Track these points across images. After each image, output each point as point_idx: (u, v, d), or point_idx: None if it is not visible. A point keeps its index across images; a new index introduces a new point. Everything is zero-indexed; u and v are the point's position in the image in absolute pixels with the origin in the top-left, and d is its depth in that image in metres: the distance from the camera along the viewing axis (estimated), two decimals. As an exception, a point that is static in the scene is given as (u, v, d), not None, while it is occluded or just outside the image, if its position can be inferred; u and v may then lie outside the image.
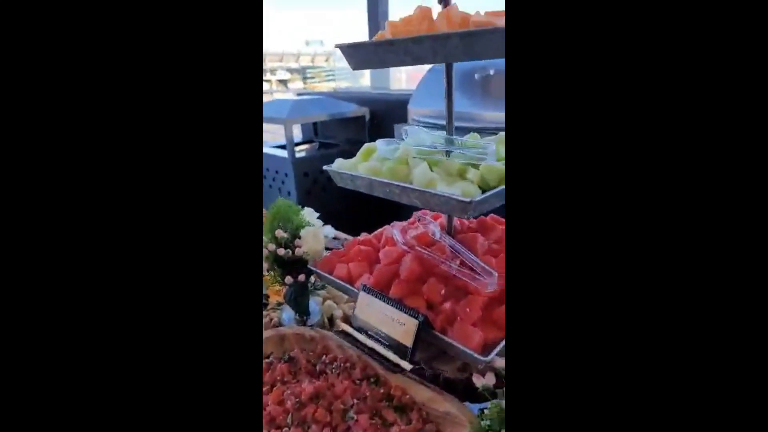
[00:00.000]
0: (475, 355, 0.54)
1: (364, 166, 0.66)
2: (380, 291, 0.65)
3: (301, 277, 0.77)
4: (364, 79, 3.46)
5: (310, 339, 0.74)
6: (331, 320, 0.95)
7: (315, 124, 2.77)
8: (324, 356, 0.70)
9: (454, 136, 0.70)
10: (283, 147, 2.45)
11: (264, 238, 0.81)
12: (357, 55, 0.60)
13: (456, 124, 2.05)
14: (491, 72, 1.79)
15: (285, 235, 0.79)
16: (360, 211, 2.60)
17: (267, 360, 0.71)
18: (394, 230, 0.72)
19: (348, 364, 0.67)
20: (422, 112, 2.02)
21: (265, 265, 0.79)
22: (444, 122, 1.84)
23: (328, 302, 0.99)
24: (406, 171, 0.64)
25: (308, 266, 0.78)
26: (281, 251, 0.76)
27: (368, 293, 0.63)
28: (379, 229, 0.86)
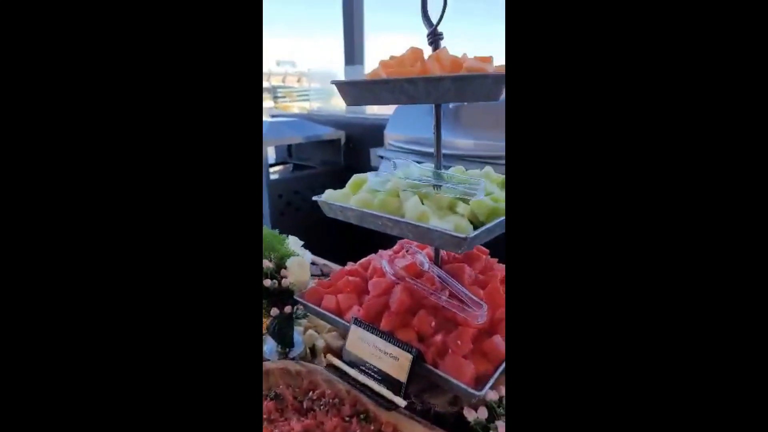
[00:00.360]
0: (469, 390, 0.54)
1: (356, 198, 0.67)
2: (371, 324, 0.64)
3: (288, 309, 0.76)
4: (335, 100, 3.51)
5: (296, 374, 0.72)
6: (313, 350, 0.93)
7: (289, 145, 2.76)
8: (311, 392, 0.69)
9: (442, 170, 0.72)
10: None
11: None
12: (353, 91, 0.62)
13: (428, 150, 2.09)
14: (464, 103, 1.87)
15: (271, 265, 0.77)
16: (334, 234, 2.59)
17: (251, 397, 0.68)
18: (383, 261, 0.72)
19: (336, 400, 0.66)
20: (398, 137, 2.06)
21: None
22: (419, 148, 1.86)
23: (310, 331, 0.97)
24: (397, 204, 0.65)
25: (295, 297, 0.77)
26: (267, 282, 0.74)
27: (360, 327, 0.62)
28: (366, 258, 0.86)
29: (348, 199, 0.71)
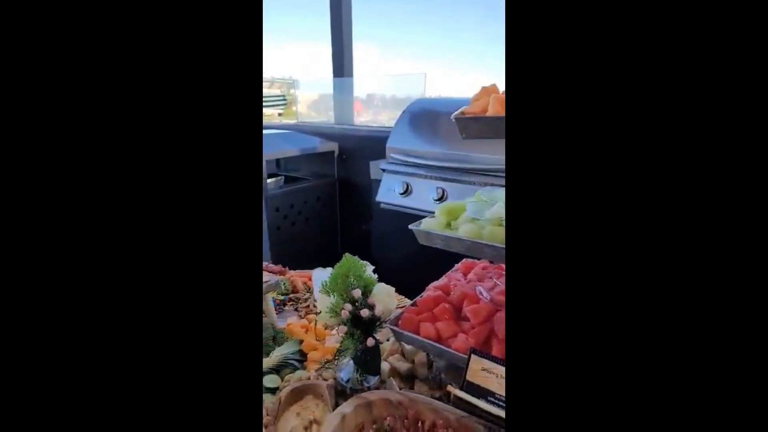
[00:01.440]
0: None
1: (463, 229, 0.68)
2: (486, 353, 0.66)
3: (383, 337, 0.75)
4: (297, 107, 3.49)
5: (398, 404, 0.71)
6: (378, 375, 0.92)
7: (278, 158, 2.70)
8: (419, 422, 0.68)
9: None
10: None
11: (333, 297, 0.78)
12: (474, 126, 0.63)
13: (435, 163, 2.10)
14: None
15: (360, 294, 0.76)
16: (327, 247, 2.56)
17: (361, 431, 0.67)
18: (479, 287, 0.74)
19: (450, 430, 0.67)
20: (402, 150, 2.07)
21: (342, 328, 0.75)
22: (422, 161, 1.88)
23: (372, 356, 0.96)
24: (503, 233, 0.67)
25: (389, 326, 0.76)
26: (365, 312, 0.73)
27: (482, 357, 0.64)
28: (439, 282, 0.87)
29: (442, 228, 0.73)
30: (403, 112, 2.14)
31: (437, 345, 0.71)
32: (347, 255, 0.80)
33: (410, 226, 0.73)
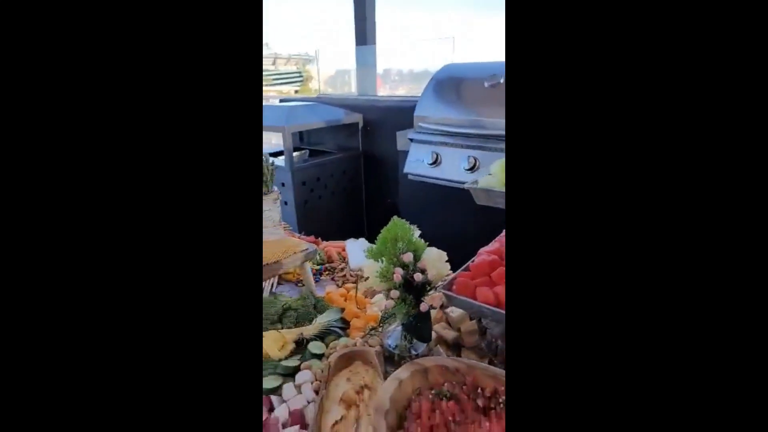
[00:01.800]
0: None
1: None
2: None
3: (436, 303, 0.72)
4: (313, 84, 3.42)
5: (455, 371, 0.68)
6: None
7: (301, 131, 2.65)
8: (479, 389, 0.65)
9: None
10: (274, 155, 2.30)
11: (381, 261, 0.74)
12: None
13: (467, 130, 2.02)
14: (501, 80, 1.83)
15: (411, 259, 0.72)
16: (354, 219, 2.53)
17: (419, 396, 0.64)
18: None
19: (514, 396, 0.63)
20: (430, 119, 1.99)
21: (395, 293, 0.72)
22: (451, 129, 1.82)
23: (417, 324, 0.93)
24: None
25: (443, 291, 0.73)
26: (419, 276, 0.69)
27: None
28: (491, 247, 0.82)
29: (502, 185, 0.67)
30: (431, 78, 2.05)
31: (497, 310, 0.67)
32: (395, 218, 0.76)
33: (465, 186, 0.68)
